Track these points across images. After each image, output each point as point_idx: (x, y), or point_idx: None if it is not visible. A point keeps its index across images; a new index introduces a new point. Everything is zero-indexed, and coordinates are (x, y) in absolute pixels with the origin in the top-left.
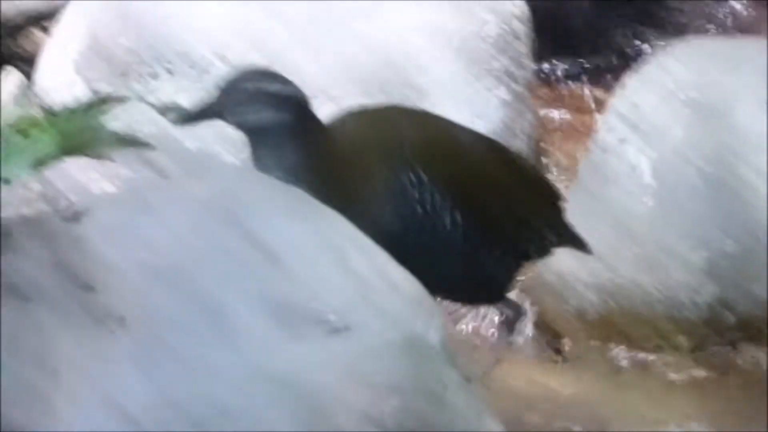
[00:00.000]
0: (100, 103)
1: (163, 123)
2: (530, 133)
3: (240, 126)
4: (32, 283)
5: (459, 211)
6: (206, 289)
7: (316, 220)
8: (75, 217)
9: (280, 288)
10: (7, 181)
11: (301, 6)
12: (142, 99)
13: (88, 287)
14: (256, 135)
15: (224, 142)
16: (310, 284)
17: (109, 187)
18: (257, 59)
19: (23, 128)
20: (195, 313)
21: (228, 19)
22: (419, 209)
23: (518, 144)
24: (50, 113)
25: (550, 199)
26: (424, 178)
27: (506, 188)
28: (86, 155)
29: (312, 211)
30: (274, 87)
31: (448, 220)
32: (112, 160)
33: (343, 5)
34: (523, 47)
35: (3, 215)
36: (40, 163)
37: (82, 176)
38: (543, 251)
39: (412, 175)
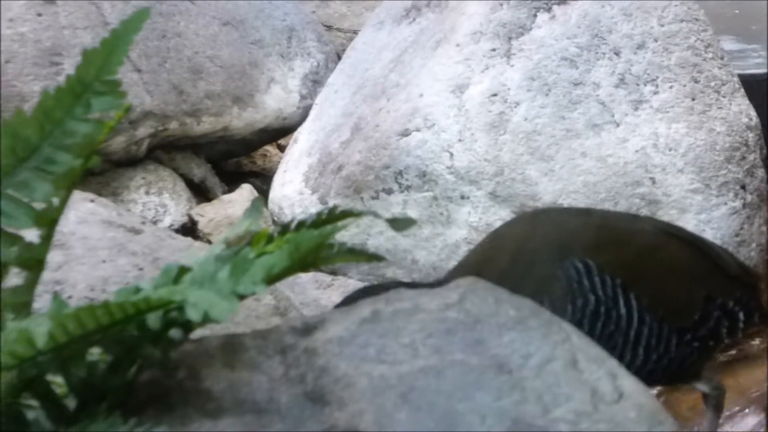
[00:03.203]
0: (333, 218)
1: (394, 235)
2: (760, 241)
3: None
4: (265, 397)
5: (633, 293)
6: (439, 401)
7: (545, 329)
8: (308, 330)
9: (512, 398)
10: (242, 297)
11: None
12: (374, 213)
13: (322, 401)
14: None
15: (456, 254)
16: (541, 394)
17: (340, 300)
18: (485, 168)
19: (257, 243)
20: (429, 426)
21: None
22: (591, 296)
23: (748, 252)
24: (284, 228)
25: (741, 279)
26: (592, 264)
27: (684, 268)
28: (319, 269)
29: (541, 321)
30: None
31: (621, 303)
32: (343, 273)
33: (578, 118)
34: (755, 157)
35: (238, 330)
36: (273, 278)
37: (314, 289)
38: (735, 331)
39: (579, 264)
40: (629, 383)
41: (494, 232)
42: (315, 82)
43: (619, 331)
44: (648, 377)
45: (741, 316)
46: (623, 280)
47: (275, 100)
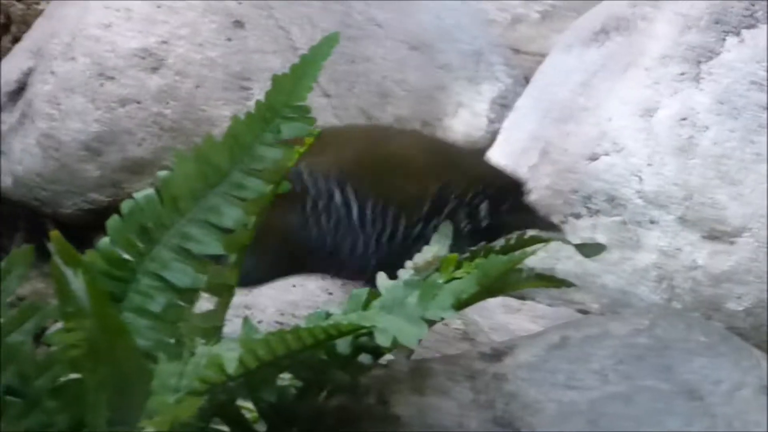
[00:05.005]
0: (522, 243)
1: (583, 260)
2: None
3: None
4: (454, 422)
5: (350, 187)
6: (628, 427)
7: (735, 355)
8: (497, 355)
9: (702, 425)
10: (431, 322)
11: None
12: (563, 239)
13: (511, 427)
14: None
15: (645, 279)
16: (731, 421)
17: (529, 325)
18: (675, 192)
19: (446, 269)
20: None
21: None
22: (308, 197)
23: None
24: (473, 254)
25: (489, 178)
26: (302, 168)
27: (413, 165)
28: (507, 294)
29: (731, 346)
30: None
31: (338, 196)
32: (531, 298)
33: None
34: None
35: (427, 355)
36: (462, 304)
37: (502, 314)
38: (478, 222)
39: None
40: None
41: None
42: (503, 106)
43: (342, 222)
44: (379, 263)
45: (484, 208)
46: (338, 178)
47: (463, 124)
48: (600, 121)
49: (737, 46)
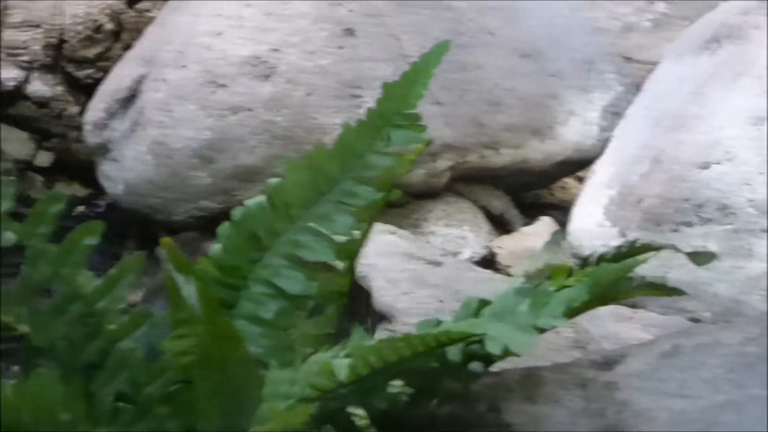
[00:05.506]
0: (633, 251)
1: (694, 268)
2: None
3: None
4: (565, 430)
5: None
6: None
7: None
8: (608, 364)
9: None
10: (542, 330)
11: None
12: (674, 247)
13: None
14: None
15: (756, 288)
16: None
17: (641, 334)
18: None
19: (557, 277)
20: None
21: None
22: None
23: None
24: (584, 262)
25: None
26: None
27: None
28: (618, 302)
29: None
30: None
31: None
32: (643, 306)
33: None
34: None
35: (537, 363)
36: (573, 312)
37: (613, 323)
38: None
39: None
40: None
41: None
42: (614, 114)
43: None
44: None
45: None
46: None
47: (574, 132)
48: (712, 130)
49: None
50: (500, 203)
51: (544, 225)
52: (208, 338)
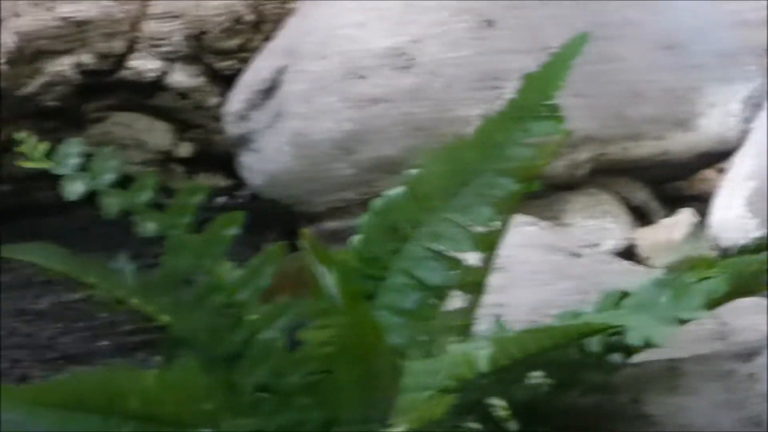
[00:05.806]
0: None
1: None
2: None
3: None
4: (707, 422)
5: None
6: None
7: None
8: (749, 355)
9: None
10: (683, 322)
11: None
12: None
13: (764, 426)
14: None
15: None
16: None
17: None
18: None
19: (697, 268)
20: None
21: None
22: None
23: None
24: (725, 253)
25: None
26: None
27: None
28: (759, 294)
29: None
30: None
31: None
32: None
33: None
34: None
35: (678, 354)
36: (714, 303)
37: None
38: None
39: None
40: None
41: None
42: (755, 105)
43: None
44: None
45: None
46: None
47: (715, 123)
48: None
49: None
50: (640, 195)
51: (685, 217)
52: (349, 329)
